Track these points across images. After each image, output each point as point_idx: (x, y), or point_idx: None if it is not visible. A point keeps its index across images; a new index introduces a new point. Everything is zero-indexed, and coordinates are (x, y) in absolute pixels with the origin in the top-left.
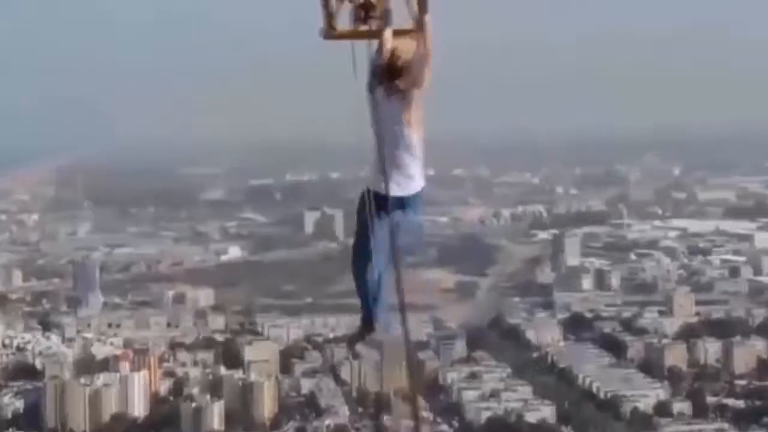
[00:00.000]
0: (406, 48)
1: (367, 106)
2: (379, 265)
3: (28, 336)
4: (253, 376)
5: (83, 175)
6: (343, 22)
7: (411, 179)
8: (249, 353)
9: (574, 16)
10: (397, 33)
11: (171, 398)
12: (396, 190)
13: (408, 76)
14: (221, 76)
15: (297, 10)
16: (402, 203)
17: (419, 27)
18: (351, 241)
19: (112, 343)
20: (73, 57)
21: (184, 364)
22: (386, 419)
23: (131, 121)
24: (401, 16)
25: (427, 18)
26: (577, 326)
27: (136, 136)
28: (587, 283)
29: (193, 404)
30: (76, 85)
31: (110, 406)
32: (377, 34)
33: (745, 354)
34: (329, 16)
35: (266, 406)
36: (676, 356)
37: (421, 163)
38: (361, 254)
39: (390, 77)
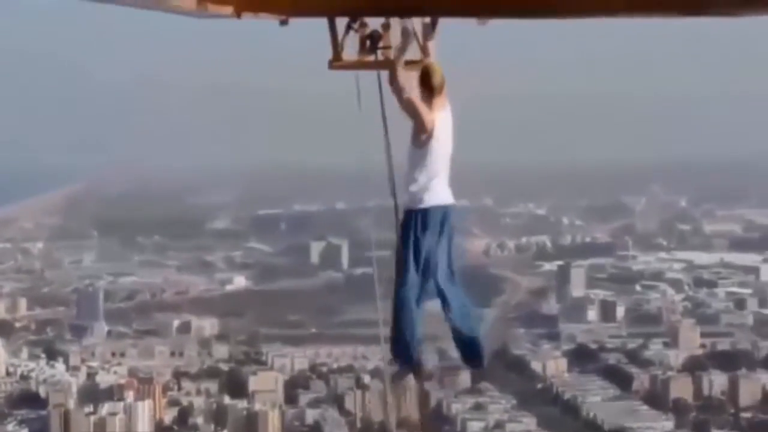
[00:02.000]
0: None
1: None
2: (435, 282)
3: (32, 364)
4: (257, 406)
5: (91, 204)
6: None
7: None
8: (253, 383)
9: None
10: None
11: (175, 427)
12: (448, 198)
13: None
14: (230, 104)
15: (309, 39)
16: (445, 215)
17: (425, 55)
18: (356, 271)
19: (116, 372)
20: (81, 80)
21: (188, 393)
22: None
23: (139, 149)
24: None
25: (431, 45)
26: (582, 357)
27: (144, 165)
28: (592, 314)
29: None
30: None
31: None
32: (384, 64)
33: (751, 387)
34: (336, 46)
35: None
36: (681, 388)
37: None
38: (405, 282)
39: (431, 92)
